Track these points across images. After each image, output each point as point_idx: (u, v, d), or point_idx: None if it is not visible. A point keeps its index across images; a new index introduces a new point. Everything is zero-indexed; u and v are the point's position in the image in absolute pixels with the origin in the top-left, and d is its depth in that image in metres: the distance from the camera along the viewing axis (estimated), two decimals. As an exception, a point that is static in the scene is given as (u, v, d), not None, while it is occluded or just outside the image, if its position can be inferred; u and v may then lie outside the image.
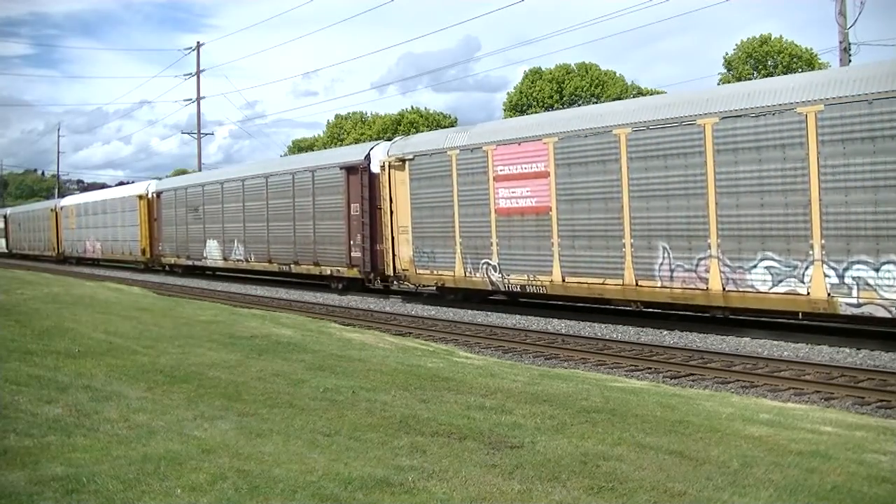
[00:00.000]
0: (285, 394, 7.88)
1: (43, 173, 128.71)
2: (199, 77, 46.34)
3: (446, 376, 9.21)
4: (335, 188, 22.97)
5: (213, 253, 30.22)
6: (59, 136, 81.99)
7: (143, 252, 35.61)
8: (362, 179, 21.67)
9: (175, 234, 33.03)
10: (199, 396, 7.62)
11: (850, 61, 19.84)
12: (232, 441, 5.98)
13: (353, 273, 22.44)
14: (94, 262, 43.96)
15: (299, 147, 70.33)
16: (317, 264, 23.94)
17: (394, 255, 20.27)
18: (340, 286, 23.59)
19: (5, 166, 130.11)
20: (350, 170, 22.13)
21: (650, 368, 11.66)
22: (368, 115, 69.88)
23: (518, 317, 17.27)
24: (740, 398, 9.04)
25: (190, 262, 32.17)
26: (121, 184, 62.44)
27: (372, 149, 21.95)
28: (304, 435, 6.27)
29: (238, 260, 28.48)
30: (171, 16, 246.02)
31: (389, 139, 25.18)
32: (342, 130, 68.95)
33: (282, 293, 24.77)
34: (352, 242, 22.09)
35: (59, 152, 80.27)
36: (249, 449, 5.78)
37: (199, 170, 45.82)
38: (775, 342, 13.02)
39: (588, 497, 4.90)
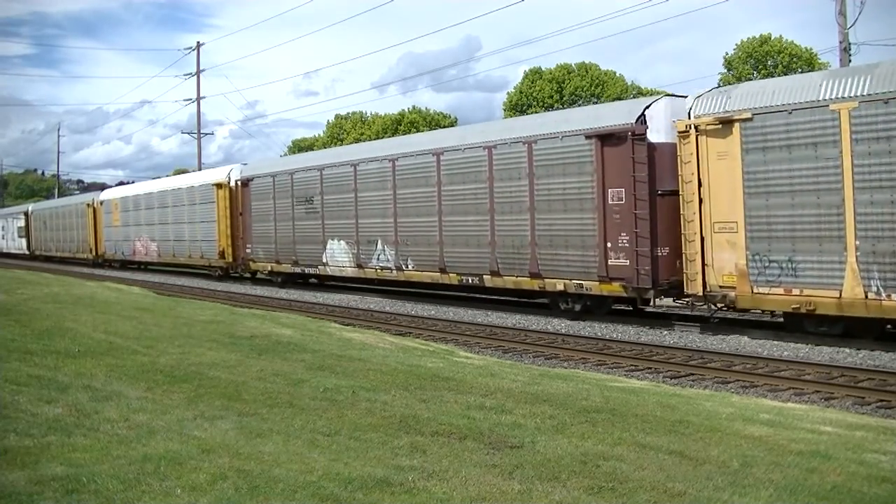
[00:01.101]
0: (285, 394, 7.88)
1: (43, 173, 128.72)
2: (199, 77, 46.36)
3: (446, 376, 9.21)
4: (576, 165, 15.89)
5: (337, 257, 23.02)
6: (59, 136, 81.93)
7: (222, 255, 28.88)
8: (633, 151, 14.78)
9: (273, 232, 25.68)
10: (199, 396, 7.62)
11: (849, 61, 19.84)
12: (232, 441, 5.98)
13: (612, 289, 15.41)
14: (142, 267, 38.35)
15: (299, 147, 70.29)
16: (538, 276, 16.80)
17: (703, 263, 13.84)
18: (578, 308, 16.60)
19: (5, 166, 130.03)
20: (606, 138, 15.29)
21: (650, 368, 11.66)
22: (368, 115, 69.90)
23: (518, 317, 17.26)
24: (740, 398, 9.04)
25: (298, 270, 25.02)
26: (119, 184, 60.66)
27: (649, 107, 15.04)
28: (304, 435, 6.27)
29: (383, 268, 21.14)
30: (171, 16, 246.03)
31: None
32: (342, 130, 68.98)
33: (282, 293, 24.71)
34: (609, 245, 15.26)
35: (59, 152, 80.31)
36: (249, 449, 5.77)
37: (200, 169, 45.75)
38: (775, 342, 13.02)
39: (588, 497, 4.90)
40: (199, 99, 46.46)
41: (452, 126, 55.76)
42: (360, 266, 22.04)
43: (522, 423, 6.78)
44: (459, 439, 6.20)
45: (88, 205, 42.16)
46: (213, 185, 29.29)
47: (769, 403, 8.59)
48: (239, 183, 27.73)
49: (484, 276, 18.06)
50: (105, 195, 41.37)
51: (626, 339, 13.99)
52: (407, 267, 20.25)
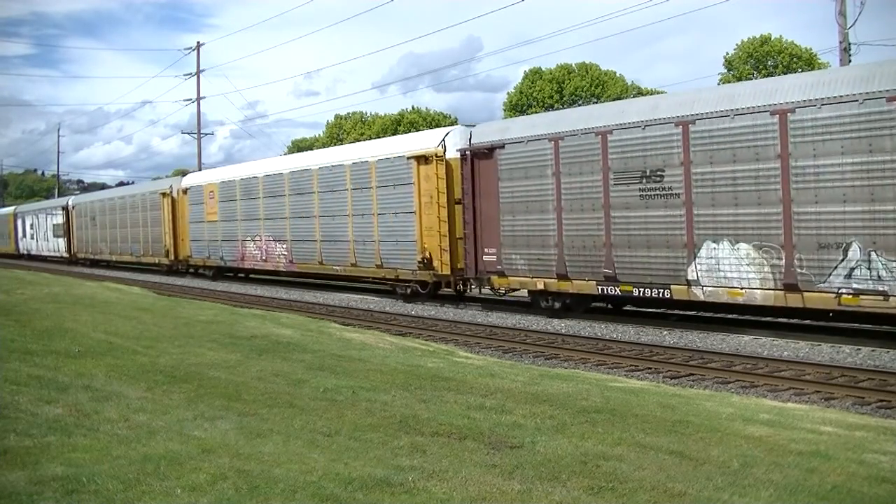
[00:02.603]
0: (285, 394, 7.88)
1: (43, 173, 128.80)
2: (199, 77, 46.36)
3: (446, 376, 9.21)
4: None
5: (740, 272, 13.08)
6: (59, 136, 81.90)
7: (427, 264, 19.05)
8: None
9: (556, 225, 15.87)
10: (199, 396, 7.62)
11: (849, 61, 19.85)
12: (232, 441, 5.98)
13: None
14: (248, 277, 29.26)
15: (299, 147, 70.25)
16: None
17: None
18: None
19: (5, 166, 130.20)
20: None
21: (650, 368, 11.66)
22: (368, 115, 69.92)
23: (518, 317, 17.26)
24: (740, 398, 9.04)
25: (613, 292, 15.04)
26: (119, 183, 58.88)
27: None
28: (304, 435, 6.27)
29: None
30: (171, 16, 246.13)
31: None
32: (342, 130, 68.99)
33: (282, 293, 24.67)
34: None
35: (59, 152, 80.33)
36: (249, 449, 5.78)
37: (199, 169, 45.62)
38: (775, 342, 13.01)
39: (588, 497, 4.90)
40: (199, 99, 46.49)
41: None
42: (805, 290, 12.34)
43: (522, 423, 6.78)
44: (459, 439, 6.20)
45: (164, 194, 32.14)
46: (413, 158, 19.36)
47: (769, 403, 8.59)
48: (469, 154, 17.51)
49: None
50: (192, 180, 31.25)
51: (626, 339, 13.99)
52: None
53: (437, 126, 54.21)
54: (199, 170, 44.91)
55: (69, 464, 5.24)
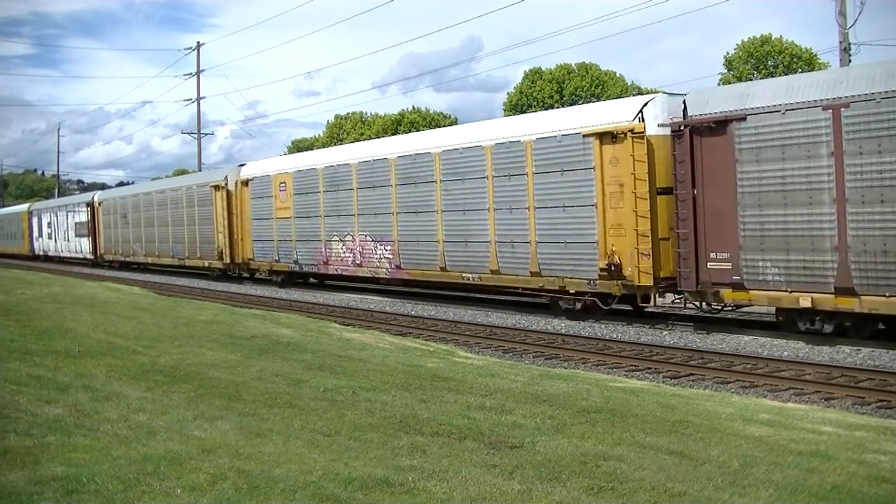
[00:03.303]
0: (285, 394, 7.88)
1: (43, 173, 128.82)
2: (199, 77, 46.38)
3: (446, 376, 9.21)
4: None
5: None
6: (59, 136, 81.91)
7: (616, 271, 14.61)
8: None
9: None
10: (199, 396, 7.62)
11: (849, 61, 19.86)
12: (232, 441, 5.99)
13: None
14: (324, 283, 25.34)
15: (299, 147, 70.24)
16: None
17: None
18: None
19: (5, 166, 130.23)
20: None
21: (650, 368, 11.66)
22: (368, 115, 69.91)
23: (518, 317, 17.26)
24: (740, 398, 9.04)
25: None
26: (119, 183, 57.24)
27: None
28: (304, 435, 6.28)
29: None
30: (172, 16, 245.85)
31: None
32: (342, 130, 68.96)
33: (282, 293, 24.64)
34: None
35: (59, 152, 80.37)
36: (249, 449, 5.78)
37: (200, 170, 45.64)
38: (775, 342, 13.01)
39: (588, 497, 4.90)
40: (199, 99, 46.50)
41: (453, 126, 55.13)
42: None
43: (522, 423, 6.78)
44: (459, 439, 6.20)
45: (217, 186, 27.54)
46: (593, 135, 14.96)
47: (769, 403, 8.59)
48: (685, 129, 13.59)
49: None
50: (255, 169, 26.34)
51: (626, 339, 13.98)
52: None
53: (438, 126, 53.78)
54: (200, 170, 44.71)
55: (69, 464, 5.25)
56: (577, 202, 15.45)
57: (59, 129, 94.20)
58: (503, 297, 19.34)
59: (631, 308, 16.09)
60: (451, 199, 18.39)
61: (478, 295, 20.30)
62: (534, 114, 22.65)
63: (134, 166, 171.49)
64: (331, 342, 12.27)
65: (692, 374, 11.19)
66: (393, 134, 55.02)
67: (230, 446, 5.82)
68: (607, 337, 14.33)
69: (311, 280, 25.67)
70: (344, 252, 22.09)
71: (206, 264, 28.90)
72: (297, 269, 24.28)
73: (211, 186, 28.14)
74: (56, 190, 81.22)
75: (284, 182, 24.29)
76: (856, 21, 19.94)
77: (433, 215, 18.91)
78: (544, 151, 16.13)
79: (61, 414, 6.67)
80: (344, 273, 22.52)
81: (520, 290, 17.22)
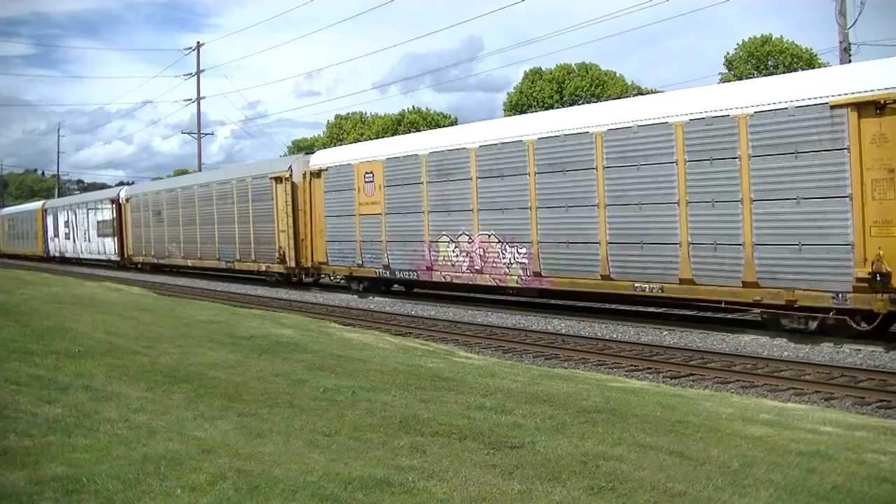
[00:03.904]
0: (285, 394, 7.88)
1: (43, 173, 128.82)
2: (199, 77, 46.39)
3: (446, 376, 9.21)
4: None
5: None
6: (59, 136, 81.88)
7: (880, 281, 11.33)
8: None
9: None
10: (199, 396, 7.62)
11: (849, 61, 19.86)
12: (232, 441, 5.98)
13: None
14: (412, 291, 22.04)
15: (299, 147, 70.19)
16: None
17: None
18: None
19: (6, 166, 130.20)
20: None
21: (650, 368, 11.66)
22: (368, 115, 69.90)
23: (518, 317, 17.25)
24: (740, 398, 9.04)
25: None
26: (119, 183, 56.57)
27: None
28: (304, 435, 6.27)
29: None
30: (172, 16, 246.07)
31: None
32: (342, 130, 68.95)
33: (282, 293, 24.63)
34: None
35: (59, 152, 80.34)
36: (249, 449, 5.78)
37: (199, 170, 45.55)
38: (775, 342, 13.01)
39: (588, 497, 4.90)
40: (199, 99, 46.50)
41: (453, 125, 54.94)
42: None
43: (522, 423, 6.78)
44: (459, 439, 6.20)
45: (279, 178, 24.01)
46: (845, 105, 11.63)
47: (769, 403, 8.59)
48: None
49: None
50: (330, 158, 23.09)
51: (626, 340, 13.99)
52: None
53: (438, 126, 53.61)
54: (199, 170, 44.55)
55: (69, 464, 5.24)
56: (815, 193, 12.14)
57: (59, 129, 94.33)
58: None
59: (868, 327, 12.16)
60: (620, 190, 14.79)
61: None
62: (753, 79, 17.05)
63: (134, 166, 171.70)
64: (331, 342, 12.27)
65: (692, 374, 11.19)
66: (393, 134, 54.90)
67: (230, 446, 5.82)
68: (607, 337, 14.33)
69: (398, 287, 22.21)
70: (456, 255, 18.32)
71: (263, 268, 25.45)
72: (387, 274, 20.69)
73: (271, 178, 24.46)
74: (56, 190, 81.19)
75: (371, 172, 20.72)
76: (856, 21, 19.97)
77: (593, 210, 15.26)
78: (768, 129, 12.60)
79: (61, 414, 6.67)
80: (456, 281, 18.73)
81: (722, 304, 13.93)
